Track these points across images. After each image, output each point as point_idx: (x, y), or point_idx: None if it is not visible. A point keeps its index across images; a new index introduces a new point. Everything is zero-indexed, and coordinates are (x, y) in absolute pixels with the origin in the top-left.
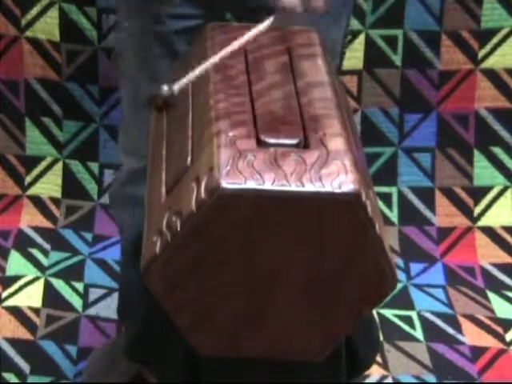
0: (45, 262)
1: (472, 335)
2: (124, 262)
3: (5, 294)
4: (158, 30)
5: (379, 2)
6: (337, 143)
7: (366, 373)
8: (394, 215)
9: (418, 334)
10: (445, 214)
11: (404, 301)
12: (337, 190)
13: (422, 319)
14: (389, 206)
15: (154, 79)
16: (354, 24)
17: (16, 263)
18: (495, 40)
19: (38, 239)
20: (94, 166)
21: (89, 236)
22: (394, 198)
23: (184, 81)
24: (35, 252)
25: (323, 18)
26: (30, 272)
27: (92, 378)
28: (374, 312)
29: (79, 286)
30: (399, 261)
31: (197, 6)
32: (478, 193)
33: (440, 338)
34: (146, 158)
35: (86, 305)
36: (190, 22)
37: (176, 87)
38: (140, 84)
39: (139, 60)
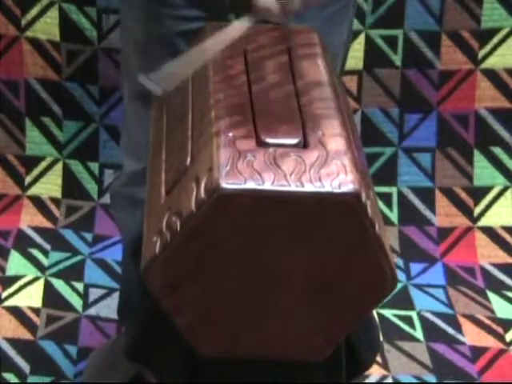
0: (45, 262)
1: (472, 335)
2: (124, 262)
3: (5, 294)
4: (160, 31)
5: (379, 2)
6: (336, 143)
7: (366, 373)
8: (394, 215)
9: (418, 334)
10: (445, 214)
11: (404, 301)
12: (336, 190)
13: (422, 319)
14: (389, 206)
15: None
16: (354, 24)
17: (16, 263)
18: (495, 40)
19: (38, 239)
20: (94, 166)
21: (89, 236)
22: (394, 198)
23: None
24: (35, 252)
25: (325, 21)
26: (30, 272)
27: (92, 378)
28: (374, 312)
29: (79, 285)
30: (399, 261)
31: (200, 8)
32: (478, 193)
33: (440, 337)
34: (146, 159)
35: (86, 305)
36: (193, 24)
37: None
38: (143, 86)
39: (142, 61)
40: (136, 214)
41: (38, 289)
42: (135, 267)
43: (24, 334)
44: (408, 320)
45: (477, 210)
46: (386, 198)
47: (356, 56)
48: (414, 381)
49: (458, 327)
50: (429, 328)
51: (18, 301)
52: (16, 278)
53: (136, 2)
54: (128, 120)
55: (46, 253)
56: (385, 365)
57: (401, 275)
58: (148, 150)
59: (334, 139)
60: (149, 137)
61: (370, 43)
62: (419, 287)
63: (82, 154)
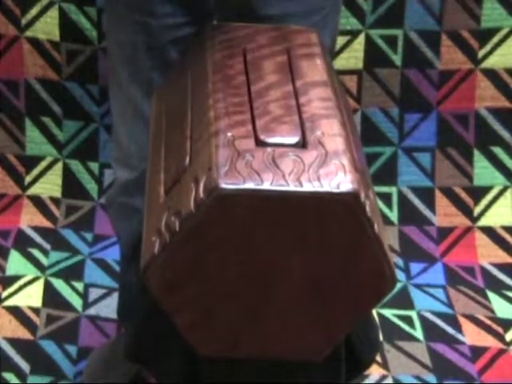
0: (45, 261)
1: (472, 335)
2: (123, 262)
3: (5, 294)
4: (149, 42)
5: (379, 2)
6: (335, 143)
7: (366, 373)
8: (393, 215)
9: (418, 333)
10: (445, 214)
11: (404, 301)
12: (335, 190)
13: (422, 319)
14: (389, 206)
15: (147, 91)
16: (354, 24)
17: (16, 263)
18: (495, 40)
19: (38, 239)
20: (94, 166)
21: (89, 236)
22: (394, 198)
23: None
24: (35, 252)
25: (316, 21)
26: (30, 272)
27: (92, 378)
28: (374, 312)
29: (79, 285)
30: (399, 261)
31: (186, 14)
32: (478, 193)
33: (440, 337)
34: (139, 169)
35: (86, 305)
36: (181, 32)
37: None
38: (132, 96)
39: (131, 73)
40: (132, 222)
41: (37, 289)
42: (134, 270)
43: (24, 334)
44: (408, 320)
45: (477, 210)
46: (386, 198)
47: (356, 56)
48: (414, 381)
49: (458, 327)
50: (429, 328)
51: (17, 301)
52: (16, 278)
53: (122, 15)
54: (118, 133)
55: (45, 253)
56: (385, 365)
57: (401, 275)
58: (139, 159)
59: (333, 139)
60: (139, 147)
61: (370, 43)
62: (419, 287)
63: (82, 153)
